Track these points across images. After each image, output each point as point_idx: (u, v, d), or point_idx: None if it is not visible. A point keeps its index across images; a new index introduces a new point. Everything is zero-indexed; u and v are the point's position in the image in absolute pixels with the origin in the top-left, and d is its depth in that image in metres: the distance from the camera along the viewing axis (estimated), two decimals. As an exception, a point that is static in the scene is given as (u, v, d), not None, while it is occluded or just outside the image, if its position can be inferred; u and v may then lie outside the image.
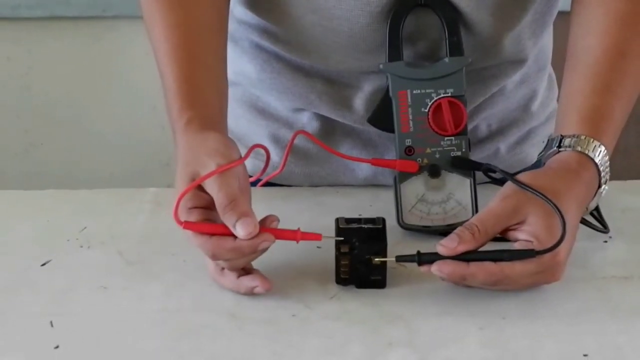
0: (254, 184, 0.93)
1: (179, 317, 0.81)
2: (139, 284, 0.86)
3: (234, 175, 0.82)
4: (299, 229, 0.83)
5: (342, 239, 0.83)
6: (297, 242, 0.83)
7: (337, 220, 0.86)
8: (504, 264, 0.80)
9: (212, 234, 0.81)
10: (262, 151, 0.90)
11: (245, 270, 0.84)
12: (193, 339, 0.78)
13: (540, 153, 0.93)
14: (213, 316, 0.81)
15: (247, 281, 0.83)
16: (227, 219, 0.80)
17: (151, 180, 1.18)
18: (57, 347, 0.77)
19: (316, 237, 0.83)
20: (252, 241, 0.80)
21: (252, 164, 0.87)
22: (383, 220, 0.86)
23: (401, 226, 0.94)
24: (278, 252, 0.83)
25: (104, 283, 0.86)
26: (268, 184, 1.02)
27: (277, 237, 0.82)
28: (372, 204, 1.01)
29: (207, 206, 0.83)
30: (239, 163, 0.83)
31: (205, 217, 0.82)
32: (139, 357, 0.76)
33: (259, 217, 0.82)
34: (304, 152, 1.05)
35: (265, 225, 0.82)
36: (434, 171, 0.94)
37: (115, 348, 0.78)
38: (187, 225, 0.81)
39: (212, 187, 0.81)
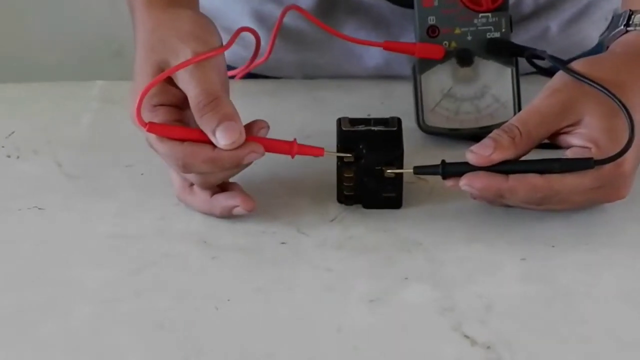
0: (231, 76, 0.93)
1: (135, 244, 0.82)
2: (85, 204, 0.87)
3: (214, 67, 0.82)
4: (294, 140, 0.83)
5: (349, 154, 0.83)
6: (292, 157, 0.83)
7: (339, 121, 0.86)
8: (553, 176, 0.80)
9: (184, 140, 0.81)
10: (244, 34, 0.90)
11: (221, 187, 0.85)
12: (154, 272, 0.79)
13: (602, 34, 0.94)
14: (179, 243, 0.82)
15: (224, 199, 0.84)
16: (206, 123, 0.80)
17: (98, 72, 1.18)
18: (-20, 282, 0.79)
19: (317, 151, 0.84)
20: (236, 152, 0.80)
21: (229, 50, 0.87)
22: (398, 121, 0.86)
23: (422, 129, 0.95)
24: (263, 161, 0.83)
25: (39, 202, 0.87)
26: (250, 75, 1.03)
27: (267, 150, 0.82)
28: (385, 101, 1.02)
29: (177, 104, 0.83)
30: (222, 51, 0.83)
31: (174, 118, 0.83)
32: (86, 294, 0.77)
33: (242, 120, 0.81)
34: (296, 34, 1.05)
35: (253, 133, 0.82)
36: (465, 57, 0.94)
37: (55, 283, 0.78)
38: (151, 127, 0.81)
39: (186, 80, 0.81)
